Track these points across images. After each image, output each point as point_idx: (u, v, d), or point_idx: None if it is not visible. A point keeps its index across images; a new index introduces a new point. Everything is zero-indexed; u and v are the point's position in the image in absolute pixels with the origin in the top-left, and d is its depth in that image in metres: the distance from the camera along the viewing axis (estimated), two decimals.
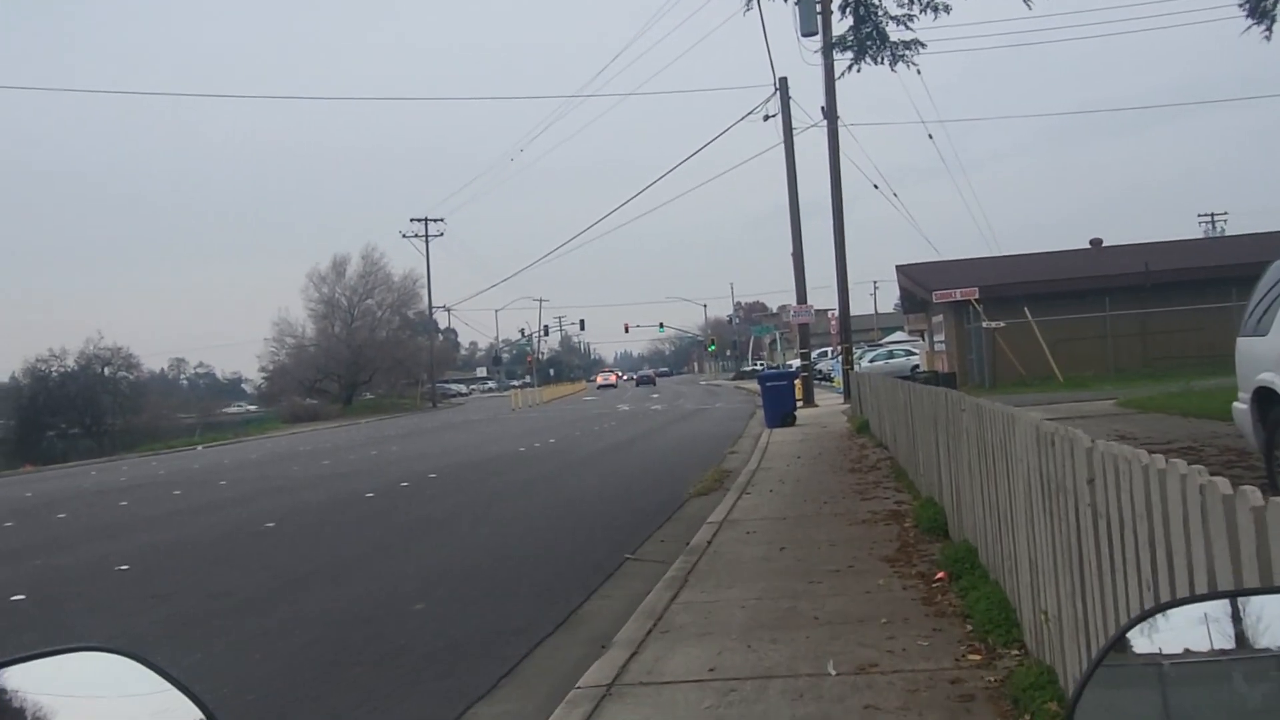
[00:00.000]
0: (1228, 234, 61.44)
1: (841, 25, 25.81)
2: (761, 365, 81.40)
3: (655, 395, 62.10)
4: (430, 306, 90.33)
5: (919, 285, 37.10)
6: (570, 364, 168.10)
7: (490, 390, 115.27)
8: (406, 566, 9.37)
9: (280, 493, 17.36)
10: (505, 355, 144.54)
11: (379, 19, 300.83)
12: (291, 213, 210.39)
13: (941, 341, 38.66)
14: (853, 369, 33.08)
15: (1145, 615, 1.28)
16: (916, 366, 48.92)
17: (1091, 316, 32.57)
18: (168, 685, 1.21)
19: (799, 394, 32.26)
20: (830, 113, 32.39)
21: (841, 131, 32.48)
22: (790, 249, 33.46)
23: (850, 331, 33.28)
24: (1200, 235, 65.56)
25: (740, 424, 28.26)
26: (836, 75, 27.75)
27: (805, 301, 33.14)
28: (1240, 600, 1.29)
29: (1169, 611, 1.29)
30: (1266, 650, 1.23)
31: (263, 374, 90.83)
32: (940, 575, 6.28)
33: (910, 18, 23.29)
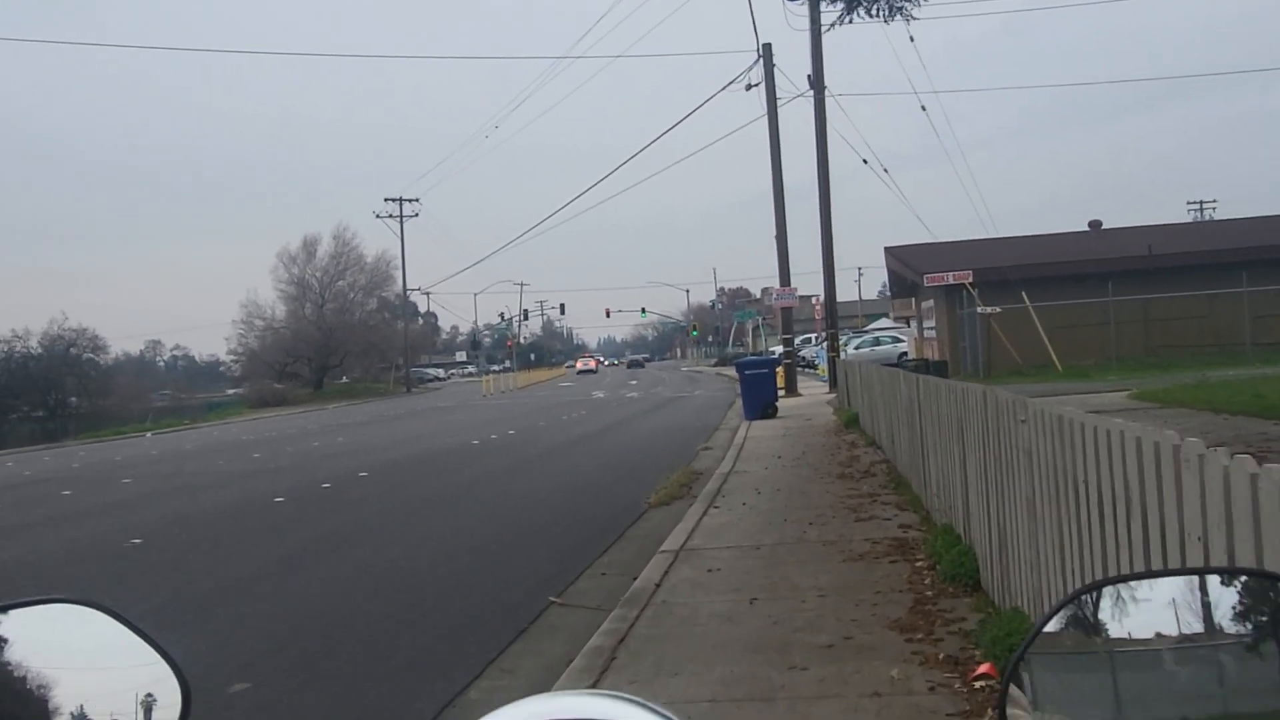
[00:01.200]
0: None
1: None
2: (743, 350, 79.40)
3: (633, 382, 60.02)
4: (405, 288, 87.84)
5: (909, 268, 35.07)
6: (552, 349, 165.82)
7: (470, 375, 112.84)
8: (258, 618, 7.20)
9: (179, 495, 15.15)
10: (487, 339, 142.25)
11: None
12: (264, 192, 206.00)
13: (931, 328, 36.64)
14: (839, 356, 31.06)
15: (1071, 598, 1.26)
16: (904, 354, 46.93)
17: (1092, 302, 30.61)
18: (135, 636, 1.25)
19: (781, 382, 30.24)
20: (817, 81, 30.25)
21: (830, 106, 30.37)
22: (774, 231, 31.37)
23: (836, 316, 31.23)
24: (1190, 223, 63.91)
25: (718, 414, 26.19)
26: (825, 28, 25.56)
27: (789, 284, 31.05)
28: (1163, 580, 1.26)
29: (1099, 590, 1.26)
30: (1196, 631, 1.23)
31: (231, 357, 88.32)
32: (982, 669, 4.19)
33: None
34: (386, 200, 79.72)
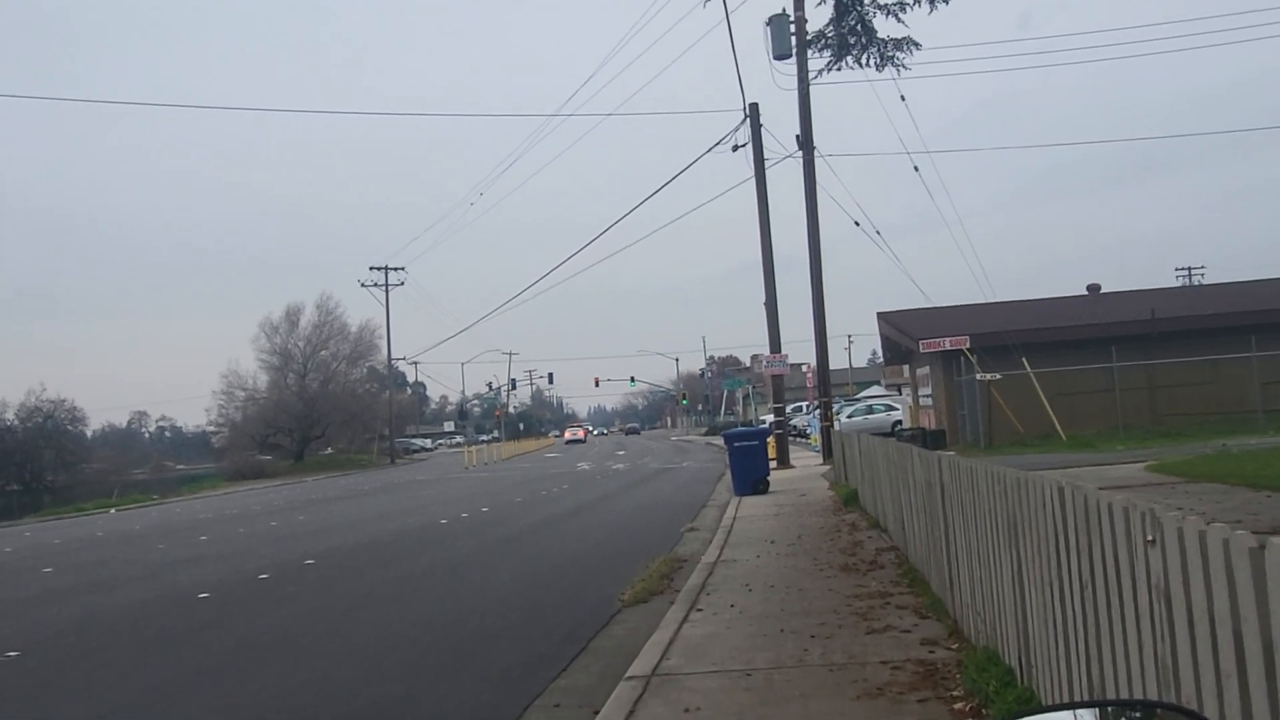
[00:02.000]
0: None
1: (820, 15, 22.69)
2: (734, 420, 77.85)
3: (620, 452, 58.36)
4: (390, 357, 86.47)
5: (903, 334, 33.82)
6: (541, 418, 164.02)
7: (457, 445, 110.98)
8: None
9: (93, 591, 13.41)
10: (476, 409, 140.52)
11: (335, 53, 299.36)
12: (249, 262, 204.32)
13: (928, 395, 35.30)
14: (833, 426, 29.62)
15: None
16: (899, 423, 45.49)
17: (1095, 368, 29.34)
18: None
19: (772, 453, 28.79)
20: (806, 141, 29.29)
21: (820, 169, 29.36)
22: (763, 299, 30.12)
23: (829, 384, 29.88)
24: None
25: (706, 489, 24.65)
26: (814, 76, 24.57)
27: (779, 351, 29.73)
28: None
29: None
30: None
31: (211, 428, 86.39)
32: None
33: (902, 6, 20.22)
34: (371, 269, 78.85)
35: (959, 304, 33.14)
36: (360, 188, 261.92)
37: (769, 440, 30.00)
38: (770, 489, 20.12)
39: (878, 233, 28.79)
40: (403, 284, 78.83)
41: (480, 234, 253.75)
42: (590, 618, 9.17)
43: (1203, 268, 78.44)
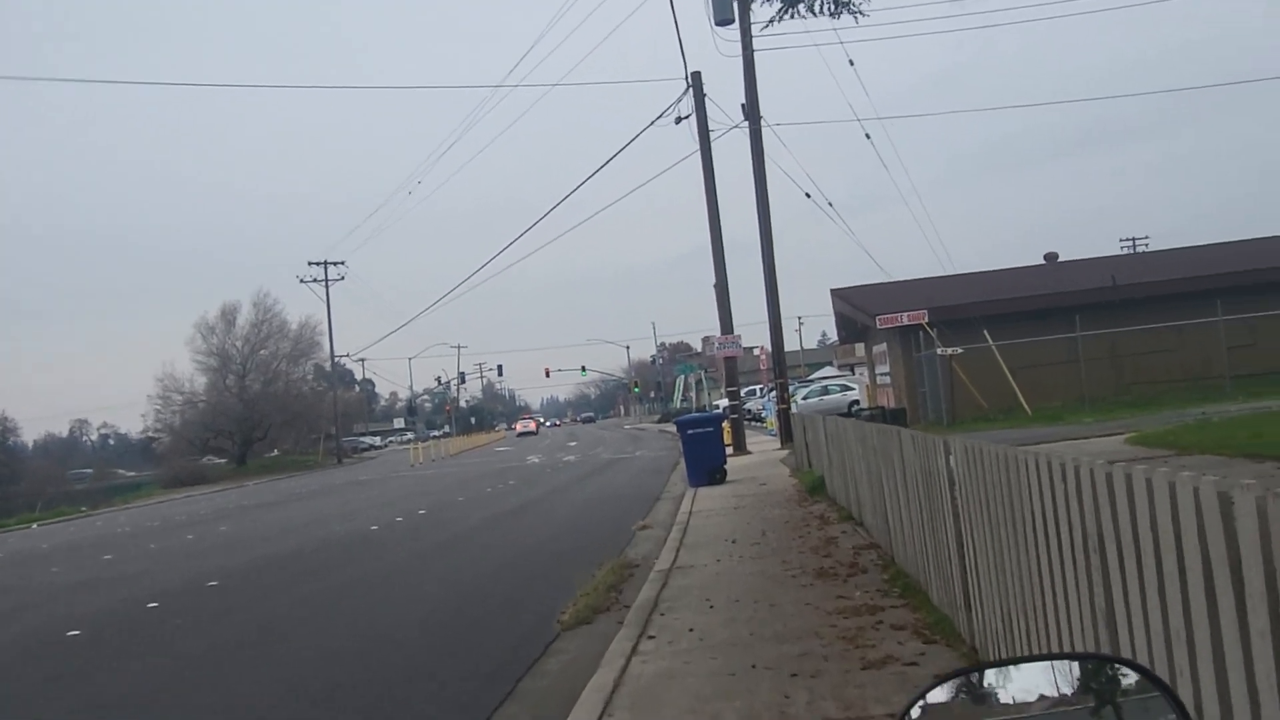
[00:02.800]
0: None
1: None
2: (687, 406, 76.53)
3: (572, 444, 56.86)
4: (333, 355, 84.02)
5: (859, 310, 32.64)
6: (493, 411, 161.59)
7: (408, 442, 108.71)
8: None
9: None
10: (427, 405, 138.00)
11: (264, 31, 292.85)
12: (182, 261, 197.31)
13: (885, 374, 34.19)
14: (790, 409, 28.35)
15: (928, 688, 1.36)
16: (855, 403, 44.44)
17: (1057, 339, 28.36)
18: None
19: (728, 439, 27.48)
20: (751, 110, 27.88)
21: (770, 142, 28.01)
22: (713, 281, 28.72)
23: (785, 365, 28.56)
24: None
25: (660, 479, 23.23)
26: (762, 29, 23.16)
27: (731, 332, 28.36)
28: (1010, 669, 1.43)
29: (948, 683, 1.40)
30: (1040, 705, 1.35)
31: (146, 435, 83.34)
32: None
33: None
34: (310, 264, 76.35)
35: (915, 278, 31.99)
36: (297, 179, 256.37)
37: (724, 426, 28.67)
38: (728, 478, 18.76)
39: (829, 204, 27.40)
40: (343, 279, 76.23)
41: (424, 224, 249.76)
42: (523, 645, 7.69)
43: (1146, 238, 78.55)
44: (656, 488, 20.87)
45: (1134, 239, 78.82)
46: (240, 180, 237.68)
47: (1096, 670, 1.42)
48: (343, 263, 76.30)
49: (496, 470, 35.40)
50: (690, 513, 14.44)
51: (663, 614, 7.59)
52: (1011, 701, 1.38)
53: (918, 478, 6.42)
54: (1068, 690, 1.37)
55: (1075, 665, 1.45)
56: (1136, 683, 1.39)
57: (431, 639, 8.36)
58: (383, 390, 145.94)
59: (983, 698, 1.40)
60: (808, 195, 26.87)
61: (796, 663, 5.67)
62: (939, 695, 1.40)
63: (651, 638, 6.85)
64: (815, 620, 6.66)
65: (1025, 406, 27.07)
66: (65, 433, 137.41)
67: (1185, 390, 27.20)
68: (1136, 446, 16.02)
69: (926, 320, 28.61)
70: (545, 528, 16.04)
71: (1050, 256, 34.02)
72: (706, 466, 18.41)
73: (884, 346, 33.30)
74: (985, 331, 27.39)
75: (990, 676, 1.42)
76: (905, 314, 29.32)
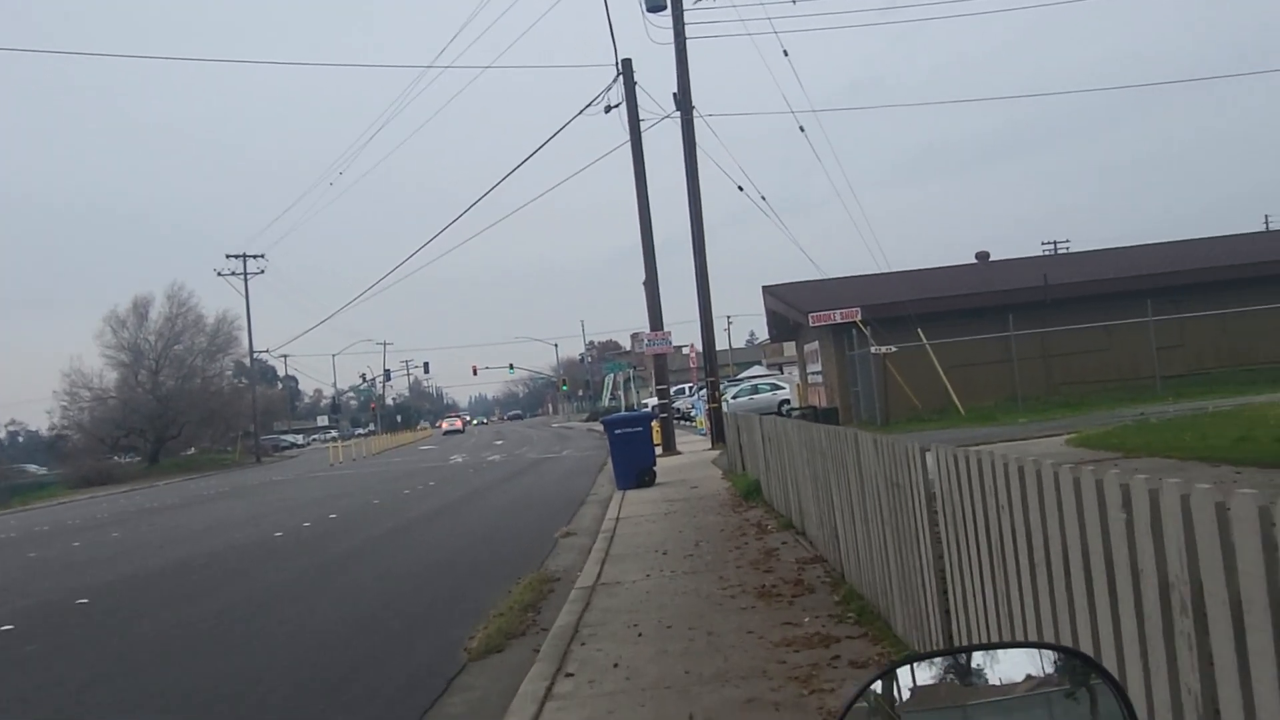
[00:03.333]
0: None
1: None
2: (615, 405, 75.58)
3: (499, 442, 55.57)
4: (252, 350, 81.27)
5: (791, 307, 32.00)
6: (421, 409, 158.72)
7: (332, 440, 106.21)
8: None
9: None
10: (353, 402, 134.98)
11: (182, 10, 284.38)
12: (96, 255, 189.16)
13: (817, 372, 33.63)
14: (721, 407, 27.57)
15: (886, 670, 1.39)
16: (786, 402, 43.93)
17: (990, 338, 28.02)
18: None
19: (657, 438, 26.60)
20: (684, 99, 27.02)
21: (704, 140, 27.21)
22: (643, 279, 27.79)
23: (716, 363, 27.79)
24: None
25: (587, 480, 22.23)
26: (694, 1, 22.34)
27: (661, 328, 27.48)
28: (967, 655, 1.43)
29: (910, 665, 1.39)
30: (992, 692, 1.37)
31: (53, 432, 79.62)
32: None
33: None
34: (229, 257, 73.71)
35: (849, 275, 31.38)
36: (215, 168, 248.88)
37: (653, 425, 27.77)
38: (658, 480, 17.84)
39: (763, 198, 26.63)
40: (263, 273, 73.69)
41: (349, 218, 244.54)
42: (422, 682, 6.63)
43: (1067, 241, 79.57)
44: (583, 490, 19.87)
45: (1055, 242, 79.95)
46: (154, 168, 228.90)
47: (1047, 661, 1.42)
48: (262, 256, 73.84)
49: (418, 470, 34.06)
50: (618, 518, 13.48)
51: (584, 643, 6.60)
52: (963, 688, 1.38)
53: (879, 489, 5.53)
54: (1016, 679, 1.38)
55: (1024, 654, 1.44)
56: (1085, 674, 1.39)
57: (314, 677, 7.24)
58: (307, 388, 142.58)
59: (931, 690, 1.38)
60: (740, 188, 26.11)
61: (742, 713, 4.72)
62: (881, 688, 1.39)
63: (570, 675, 5.86)
64: (761, 654, 5.73)
65: (959, 406, 26.65)
66: None
67: (1115, 390, 27.04)
68: (1080, 448, 15.47)
69: (860, 318, 28.06)
70: (462, 535, 14.94)
71: (982, 255, 33.79)
72: (635, 468, 17.46)
73: (816, 345, 32.73)
74: (919, 330, 26.92)
75: (935, 667, 1.42)
76: (838, 311, 28.73)
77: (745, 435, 15.39)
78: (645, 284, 27.86)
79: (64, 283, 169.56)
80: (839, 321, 28.75)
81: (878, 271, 34.43)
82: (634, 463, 17.48)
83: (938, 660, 1.43)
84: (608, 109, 27.63)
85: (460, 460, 39.14)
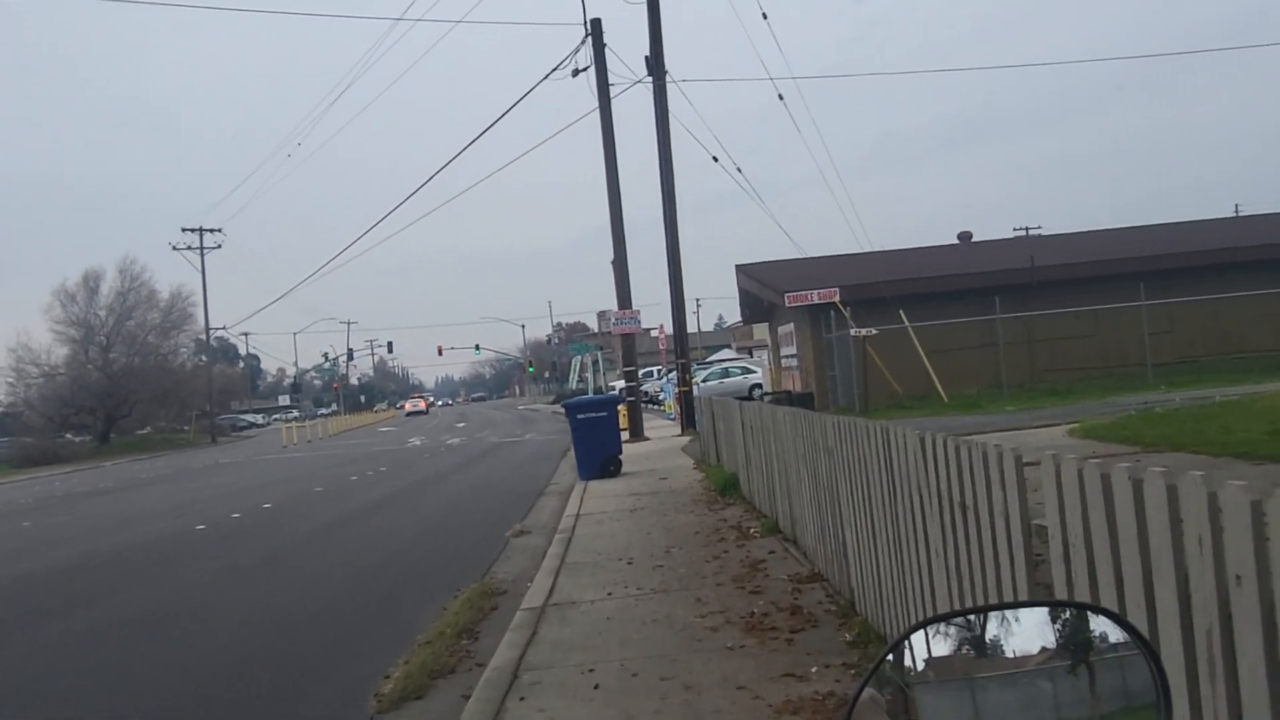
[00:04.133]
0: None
1: None
2: (583, 387, 73.88)
3: (460, 424, 53.88)
4: (208, 327, 78.78)
5: (766, 287, 30.52)
6: (385, 389, 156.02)
7: (294, 419, 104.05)
8: None
9: None
10: (316, 382, 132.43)
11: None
12: (42, 230, 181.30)
13: (792, 356, 32.22)
14: (692, 391, 26.10)
15: (910, 631, 1.30)
16: (757, 386, 42.56)
17: (973, 321, 26.72)
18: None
19: (624, 423, 25.11)
20: (656, 64, 25.38)
21: (676, 105, 25.63)
22: (611, 258, 26.18)
23: (687, 344, 26.29)
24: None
25: (548, 468, 20.69)
26: None
27: (630, 306, 25.92)
28: (988, 615, 1.31)
29: (930, 628, 1.31)
30: (1012, 660, 1.27)
31: (3, 410, 76.78)
32: None
33: None
34: (184, 230, 71.01)
35: (826, 254, 29.85)
36: (169, 136, 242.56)
37: (620, 409, 26.25)
38: (624, 469, 16.32)
39: (739, 169, 25.12)
40: (220, 247, 70.97)
41: (310, 194, 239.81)
42: None
43: (1039, 227, 78.77)
44: (543, 478, 18.34)
45: (1028, 228, 79.09)
46: (107, 140, 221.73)
47: (1069, 622, 1.32)
48: (219, 230, 71.07)
49: (372, 454, 32.34)
50: (578, 515, 11.94)
51: (523, 698, 5.06)
52: (988, 655, 1.30)
53: (930, 507, 4.02)
54: (1038, 645, 1.29)
55: (1046, 612, 1.33)
56: (1112, 637, 1.29)
57: None
58: (270, 366, 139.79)
59: (945, 661, 1.28)
60: (715, 159, 24.84)
61: None
62: (898, 657, 1.29)
63: None
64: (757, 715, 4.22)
65: (941, 393, 25.33)
66: None
67: (1101, 378, 25.85)
68: (1086, 440, 14.11)
69: (838, 299, 26.65)
70: (404, 531, 13.35)
71: (964, 236, 32.47)
72: (599, 456, 15.92)
73: (791, 327, 31.32)
74: (901, 312, 25.54)
75: (954, 628, 1.32)
76: (815, 292, 27.31)
77: (722, 423, 13.89)
78: (614, 262, 26.26)
79: (13, 259, 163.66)
80: (816, 302, 27.33)
81: (856, 251, 33.07)
82: (598, 450, 15.94)
83: (954, 626, 1.31)
84: (575, 73, 25.94)
85: (418, 443, 37.44)
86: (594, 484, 15.15)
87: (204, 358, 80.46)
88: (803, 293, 27.48)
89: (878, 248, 32.57)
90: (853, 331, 25.37)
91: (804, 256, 31.83)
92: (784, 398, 27.43)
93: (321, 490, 20.26)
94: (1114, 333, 26.99)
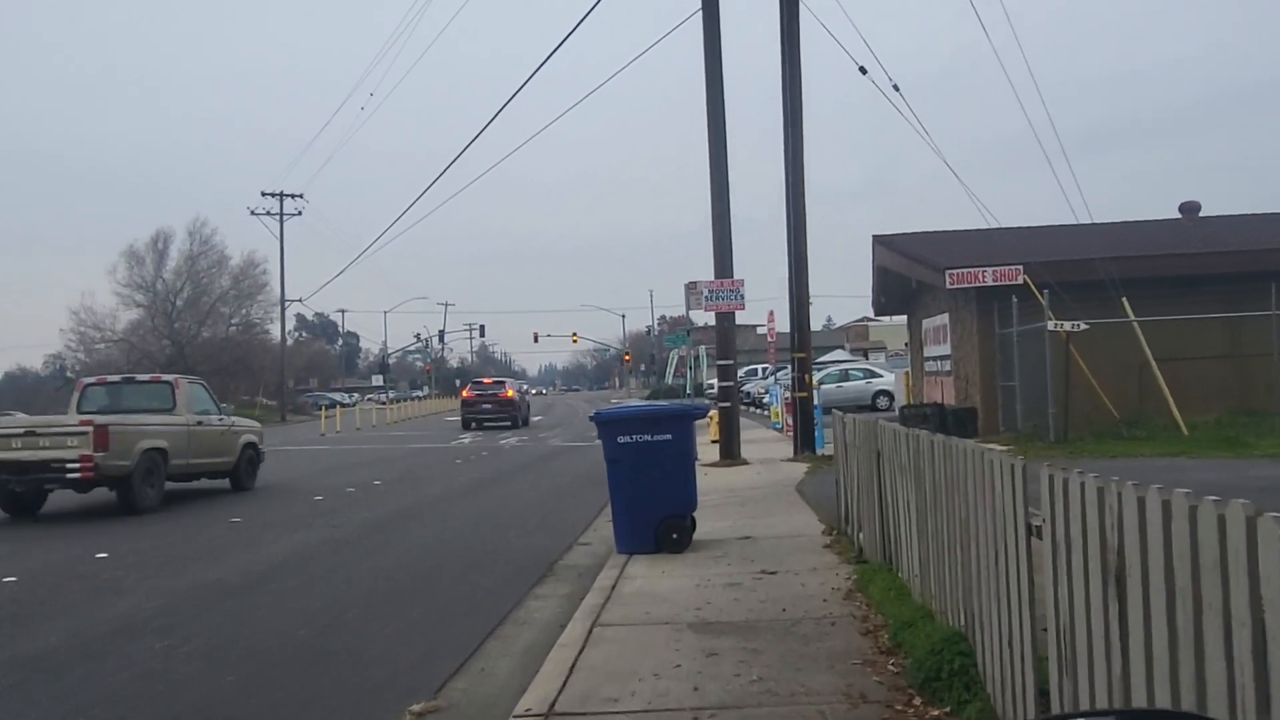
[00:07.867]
0: None
1: None
2: (682, 382, 66.42)
3: (536, 419, 47.37)
4: (283, 296, 73.83)
5: (916, 262, 22.95)
6: (486, 373, 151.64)
7: (388, 399, 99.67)
8: None
9: None
10: (418, 363, 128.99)
11: None
12: (113, 192, 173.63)
13: (941, 358, 24.57)
14: (812, 397, 18.82)
15: None
16: (883, 393, 34.80)
17: (1219, 318, 18.87)
18: None
19: (714, 435, 18.11)
20: None
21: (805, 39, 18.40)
22: (710, 209, 18.97)
23: (809, 331, 19.00)
24: None
25: (595, 501, 13.66)
26: None
27: (730, 276, 18.64)
28: None
29: None
30: None
31: (57, 372, 73.72)
32: None
33: None
34: (264, 195, 65.84)
35: (993, 227, 22.02)
36: (254, 100, 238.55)
37: (710, 418, 19.04)
38: (698, 532, 9.21)
39: (895, 88, 17.66)
40: (300, 214, 65.46)
41: (390, 162, 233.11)
42: None
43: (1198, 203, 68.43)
44: (574, 526, 11.42)
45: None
46: (184, 95, 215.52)
47: None
48: (301, 195, 65.43)
49: (394, 456, 25.91)
50: (572, 667, 4.89)
51: None
52: None
53: None
54: None
55: None
56: None
57: None
58: (373, 346, 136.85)
59: None
60: (863, 70, 17.24)
61: None
62: None
63: None
64: None
65: (1179, 422, 17.46)
66: None
67: None
68: None
69: (1025, 278, 19.01)
70: (387, 571, 6.50)
71: (1189, 208, 24.30)
72: (655, 515, 8.82)
73: (944, 319, 23.72)
74: (1125, 300, 17.77)
75: None
76: (989, 269, 19.75)
77: (889, 478, 6.56)
78: (714, 216, 19.00)
79: (86, 228, 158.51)
80: (990, 283, 19.75)
81: (1034, 224, 25.23)
82: (653, 504, 8.82)
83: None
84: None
85: (466, 441, 31.04)
86: (640, 569, 8.11)
87: (304, 334, 76.27)
88: (972, 270, 19.92)
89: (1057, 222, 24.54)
90: (1050, 325, 17.66)
91: (965, 229, 24.12)
92: (932, 413, 19.94)
93: (303, 513, 13.60)
94: None
